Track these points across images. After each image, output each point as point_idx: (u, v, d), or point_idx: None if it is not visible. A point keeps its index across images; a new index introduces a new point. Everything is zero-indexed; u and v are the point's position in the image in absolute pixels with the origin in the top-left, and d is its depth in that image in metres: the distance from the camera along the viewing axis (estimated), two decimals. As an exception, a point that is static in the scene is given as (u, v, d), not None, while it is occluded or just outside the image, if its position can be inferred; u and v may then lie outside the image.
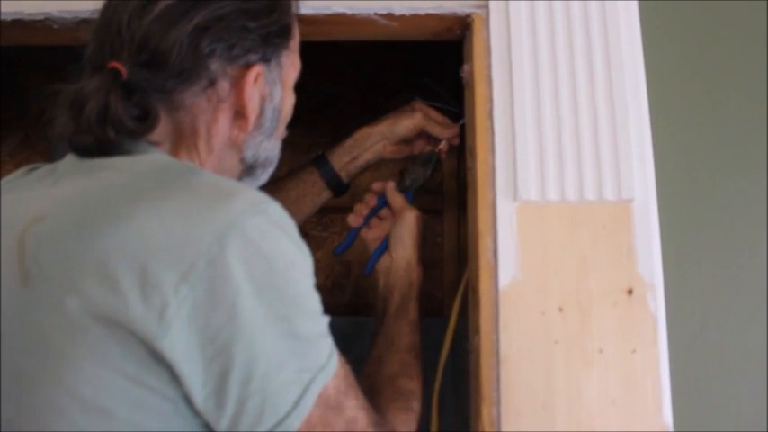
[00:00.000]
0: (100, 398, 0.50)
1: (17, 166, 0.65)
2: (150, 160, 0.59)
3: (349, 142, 0.97)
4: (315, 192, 0.97)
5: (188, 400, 0.51)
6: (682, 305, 0.75)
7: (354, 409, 0.58)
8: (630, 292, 0.74)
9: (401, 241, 0.90)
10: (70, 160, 0.62)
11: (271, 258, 0.52)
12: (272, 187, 0.93)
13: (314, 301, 0.56)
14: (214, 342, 0.49)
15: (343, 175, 0.98)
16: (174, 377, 0.50)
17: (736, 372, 0.74)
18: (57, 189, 0.58)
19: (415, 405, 0.72)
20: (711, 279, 0.76)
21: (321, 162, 0.97)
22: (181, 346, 0.49)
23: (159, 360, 0.49)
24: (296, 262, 0.54)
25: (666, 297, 0.74)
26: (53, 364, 0.50)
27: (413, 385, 0.74)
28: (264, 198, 0.54)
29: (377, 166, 1.51)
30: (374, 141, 0.97)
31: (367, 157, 0.97)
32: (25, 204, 0.56)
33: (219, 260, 0.49)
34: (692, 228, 0.78)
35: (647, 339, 0.73)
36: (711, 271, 0.77)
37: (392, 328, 0.82)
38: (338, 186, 0.98)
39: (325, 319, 0.57)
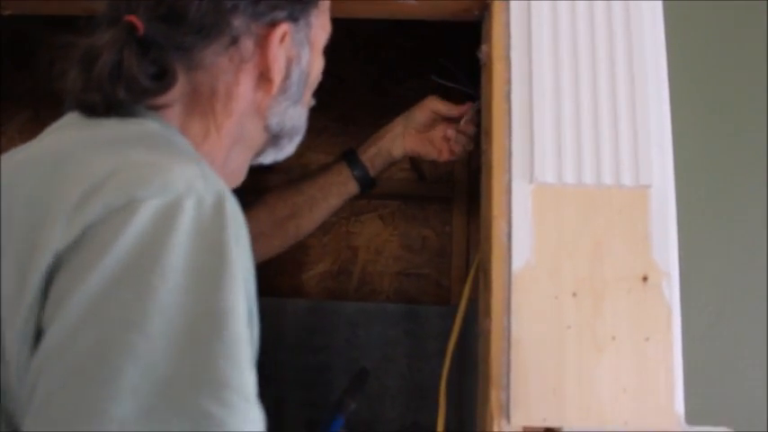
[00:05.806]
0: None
1: (25, 142, 0.64)
2: (136, 129, 0.55)
3: (374, 135, 1.01)
4: (341, 181, 0.99)
5: None
6: (697, 294, 0.74)
7: None
8: (645, 279, 0.73)
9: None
10: (68, 118, 0.58)
11: (162, 246, 0.44)
12: (301, 178, 1.01)
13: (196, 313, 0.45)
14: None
15: (369, 167, 0.99)
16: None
17: (751, 362, 0.73)
18: (40, 142, 0.56)
19: None
20: (728, 268, 0.75)
21: (349, 155, 1.00)
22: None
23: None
24: (190, 267, 0.44)
25: (681, 285, 0.73)
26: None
27: None
28: (220, 188, 0.49)
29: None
30: (393, 128, 1.00)
31: (388, 145, 0.99)
32: (15, 159, 0.54)
33: (121, 219, 0.44)
34: (709, 216, 0.77)
35: (660, 327, 0.71)
36: (728, 260, 0.76)
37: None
38: (365, 178, 0.99)
39: None
